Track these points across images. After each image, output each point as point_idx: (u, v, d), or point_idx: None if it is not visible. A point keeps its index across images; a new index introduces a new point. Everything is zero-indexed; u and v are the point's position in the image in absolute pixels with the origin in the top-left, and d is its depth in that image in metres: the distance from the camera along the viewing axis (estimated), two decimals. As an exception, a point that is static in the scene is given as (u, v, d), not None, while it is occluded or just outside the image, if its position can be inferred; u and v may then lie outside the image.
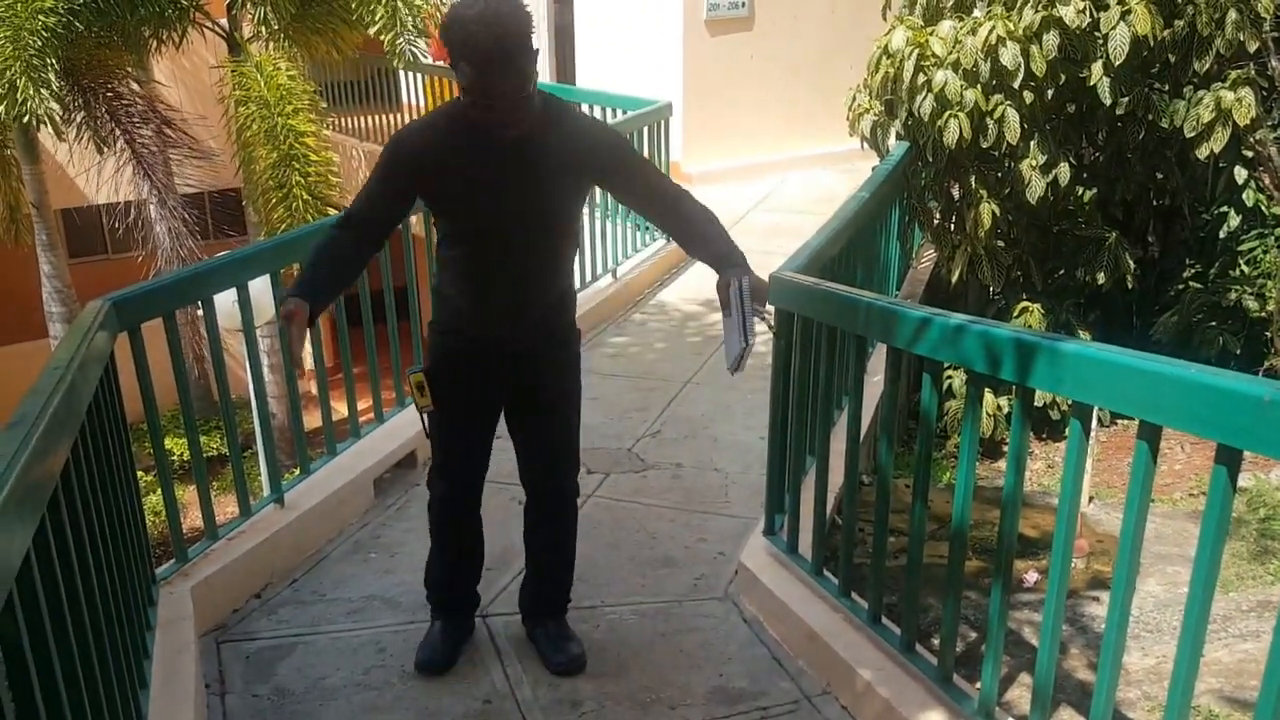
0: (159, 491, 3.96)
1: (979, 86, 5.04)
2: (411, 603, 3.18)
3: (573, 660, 2.88)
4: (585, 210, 6.00)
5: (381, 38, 7.35)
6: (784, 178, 9.58)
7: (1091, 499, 4.79)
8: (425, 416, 2.71)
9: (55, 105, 7.27)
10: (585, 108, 7.99)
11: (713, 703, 2.75)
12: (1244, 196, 6.04)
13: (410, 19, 7.27)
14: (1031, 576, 3.74)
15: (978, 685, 2.36)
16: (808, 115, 9.62)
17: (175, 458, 7.41)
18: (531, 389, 2.72)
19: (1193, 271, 6.63)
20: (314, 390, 3.93)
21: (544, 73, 11.04)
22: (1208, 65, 5.24)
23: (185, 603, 2.96)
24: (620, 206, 6.49)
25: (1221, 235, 6.30)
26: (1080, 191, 5.89)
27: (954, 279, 5.74)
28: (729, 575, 3.41)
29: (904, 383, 2.78)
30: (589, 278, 6.12)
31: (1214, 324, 6.16)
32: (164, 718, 2.42)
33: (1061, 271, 6.06)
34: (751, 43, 9.63)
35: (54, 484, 1.70)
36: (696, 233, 2.64)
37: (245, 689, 2.82)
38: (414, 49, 7.58)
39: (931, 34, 5.16)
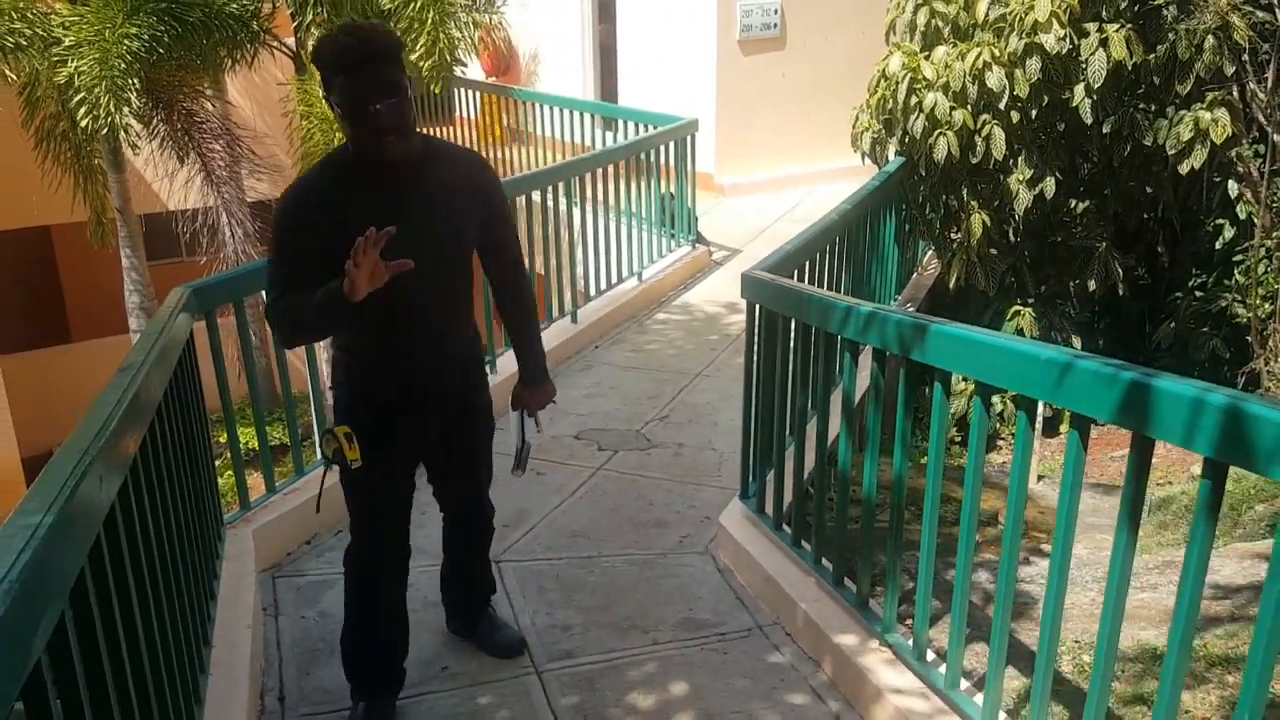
0: (227, 457, 4.57)
1: (968, 107, 5.51)
2: (434, 550, 3.73)
3: (514, 640, 3.12)
4: (607, 213, 6.59)
5: (421, 64, 7.99)
6: (811, 190, 10.04)
7: (1041, 478, 5.23)
8: (342, 471, 2.58)
9: (134, 121, 8.03)
10: (620, 123, 8.58)
11: (680, 629, 3.28)
12: (1238, 210, 6.41)
13: (447, 50, 7.91)
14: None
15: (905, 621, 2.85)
16: (835, 131, 10.01)
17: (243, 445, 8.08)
18: (454, 434, 2.75)
19: (1197, 281, 7.00)
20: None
21: (588, 91, 11.67)
22: (1189, 87, 5.64)
23: (247, 542, 3.56)
24: (642, 211, 7.05)
25: (1217, 246, 6.68)
26: (1074, 204, 6.31)
27: (952, 284, 6.19)
28: (711, 534, 3.93)
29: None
30: (614, 280, 6.68)
31: (1206, 330, 6.53)
32: (228, 625, 3.00)
33: (1053, 279, 6.47)
34: (782, 62, 10.13)
35: (146, 429, 2.27)
36: (521, 314, 2.81)
37: (295, 612, 3.41)
38: (450, 76, 8.20)
39: (927, 58, 5.63)
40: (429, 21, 8.13)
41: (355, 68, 2.25)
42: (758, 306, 3.59)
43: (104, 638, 1.46)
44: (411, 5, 8.13)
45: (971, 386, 5.66)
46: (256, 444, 3.96)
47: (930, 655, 2.63)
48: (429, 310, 2.53)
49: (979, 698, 2.39)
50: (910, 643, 2.67)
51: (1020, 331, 6.15)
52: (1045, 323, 6.30)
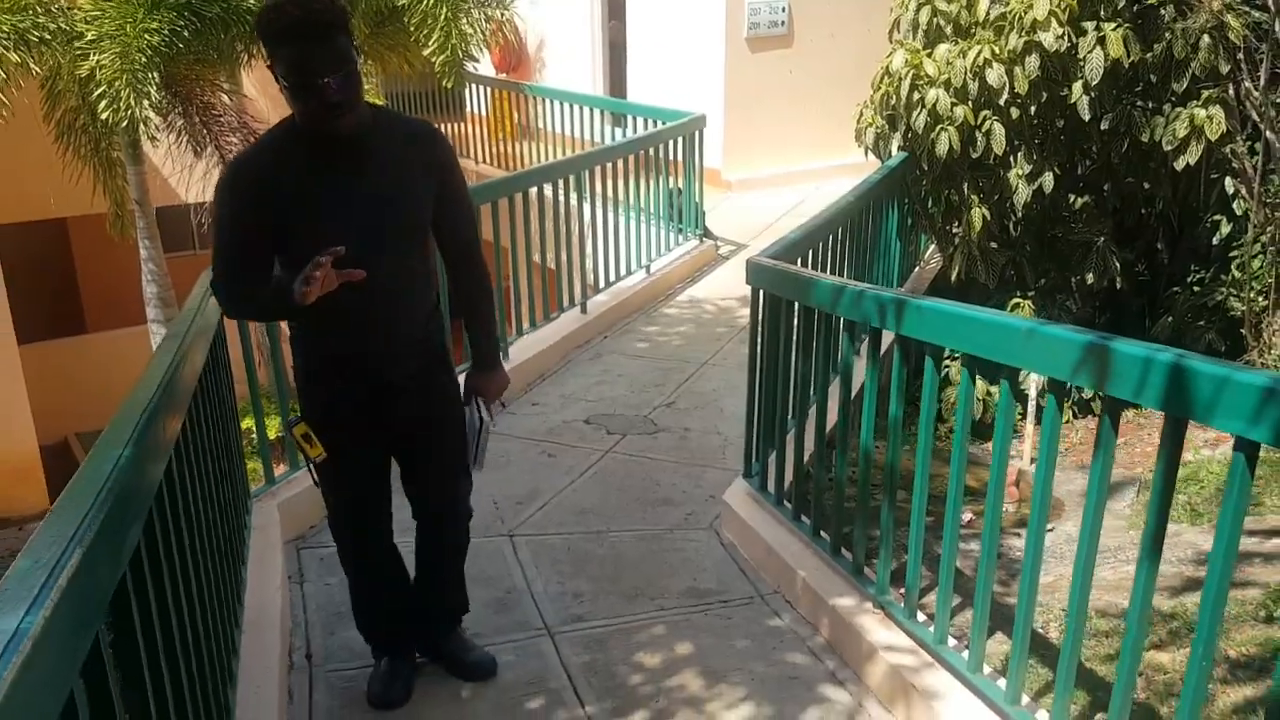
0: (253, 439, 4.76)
1: (969, 103, 5.66)
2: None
3: (487, 660, 2.94)
4: (615, 208, 6.76)
5: (434, 59, 8.16)
6: (818, 186, 10.17)
7: (1033, 460, 5.37)
8: (313, 468, 2.60)
9: (153, 114, 8.20)
10: (629, 119, 8.74)
11: (685, 597, 3.44)
12: (1234, 206, 6.55)
13: (460, 46, 8.07)
14: (966, 516, 4.35)
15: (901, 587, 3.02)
16: (841, 128, 10.15)
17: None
18: (420, 419, 2.62)
19: (1195, 276, 7.14)
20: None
21: (597, 86, 11.83)
22: (1185, 85, 5.79)
23: (273, 513, 3.73)
24: (650, 206, 7.21)
25: (1215, 242, 6.82)
26: (1073, 199, 6.45)
27: (953, 277, 6.35)
28: (715, 512, 4.09)
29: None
30: (623, 272, 6.84)
31: (1201, 323, 6.68)
32: (258, 588, 3.17)
33: (1053, 272, 6.62)
34: (790, 59, 10.29)
35: (189, 401, 2.42)
36: (474, 297, 2.70)
37: (318, 579, 3.58)
38: (462, 72, 8.36)
39: (929, 55, 5.78)
40: (442, 16, 8.28)
41: (302, 40, 2.15)
42: (761, 291, 3.75)
43: (164, 569, 1.63)
44: (424, 1, 8.29)
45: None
46: (280, 425, 4.13)
47: (920, 617, 2.79)
48: (384, 287, 2.39)
49: (965, 654, 2.55)
50: (902, 604, 2.82)
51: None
52: (1044, 315, 6.44)
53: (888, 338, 2.91)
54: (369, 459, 2.64)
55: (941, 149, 5.65)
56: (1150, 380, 1.72)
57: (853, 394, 3.13)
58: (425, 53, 8.51)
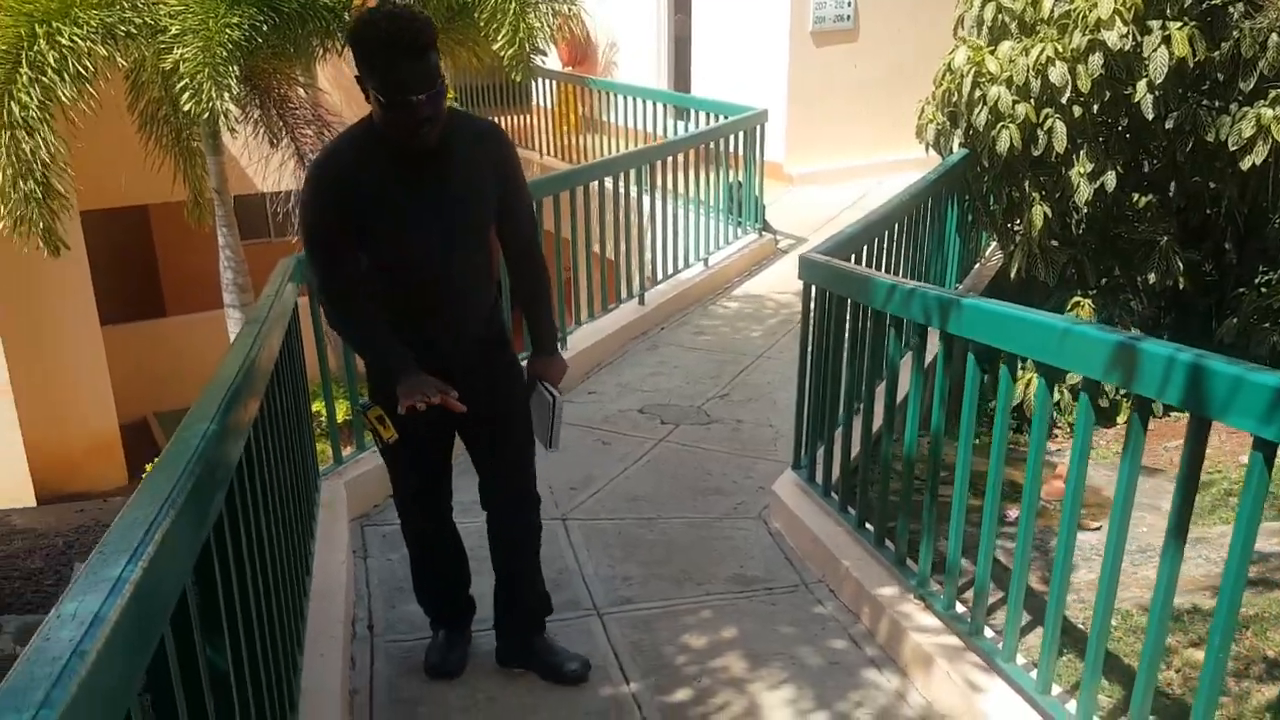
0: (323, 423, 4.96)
1: (1030, 101, 5.65)
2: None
3: (582, 663, 2.94)
4: (675, 201, 6.85)
5: (502, 53, 8.33)
6: (880, 181, 10.16)
7: None
8: (383, 449, 2.72)
9: (233, 106, 8.49)
10: (692, 113, 8.83)
11: (731, 583, 3.54)
12: (1304, 206, 6.44)
13: (527, 40, 8.22)
14: (1013, 513, 4.38)
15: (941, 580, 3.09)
16: (905, 123, 10.09)
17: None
18: (487, 404, 2.69)
19: (1264, 278, 7.03)
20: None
21: (662, 80, 11.93)
22: (1252, 85, 5.71)
23: (340, 492, 3.91)
24: (710, 199, 7.30)
25: (1284, 242, 6.71)
26: (1136, 198, 6.40)
27: (1013, 275, 6.33)
28: (764, 503, 4.18)
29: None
30: (681, 265, 6.94)
31: (1267, 325, 6.57)
32: (325, 560, 3.34)
33: (1116, 271, 6.57)
34: (855, 53, 10.28)
35: (266, 382, 2.59)
36: (536, 286, 2.77)
37: (381, 555, 3.75)
38: (530, 66, 8.50)
39: (992, 53, 5.78)
40: (511, 11, 8.44)
41: (398, 58, 2.23)
42: (813, 287, 3.83)
43: (242, 532, 1.79)
44: (494, -4, 8.46)
45: (1028, 375, 5.81)
46: (349, 409, 4.31)
47: (960, 608, 2.86)
48: (455, 284, 2.55)
49: (1001, 643, 2.62)
50: (942, 594, 2.90)
51: (1078, 322, 6.26)
52: (1105, 314, 6.40)
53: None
54: (437, 442, 2.76)
55: (1002, 146, 5.65)
56: (1172, 379, 1.78)
57: (900, 390, 3.20)
58: (494, 47, 8.69)
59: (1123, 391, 6.00)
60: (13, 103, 7.56)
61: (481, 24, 8.75)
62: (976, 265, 7.09)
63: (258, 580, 1.93)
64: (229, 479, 1.69)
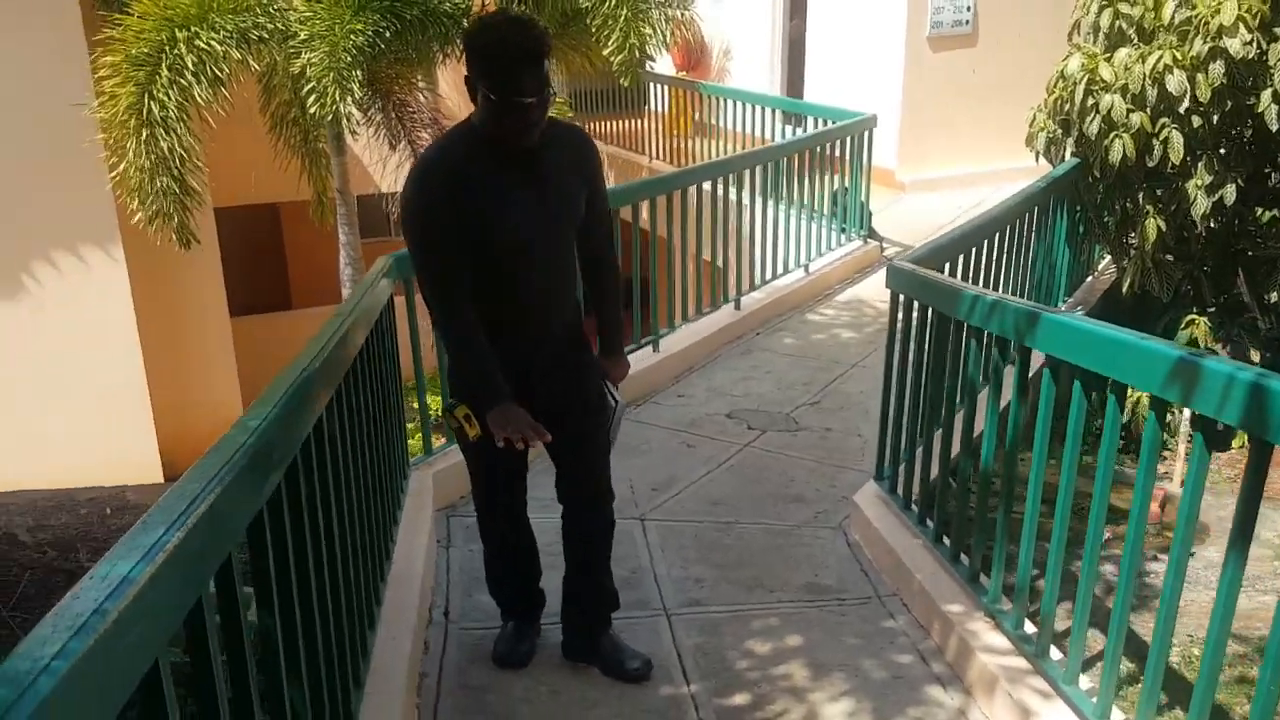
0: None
1: (1146, 110, 5.45)
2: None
3: (645, 663, 2.98)
4: (779, 205, 6.83)
5: (613, 59, 8.44)
6: (996, 189, 9.89)
7: (1184, 482, 5.14)
8: (465, 445, 2.80)
9: (355, 110, 8.83)
10: (803, 118, 8.78)
11: (804, 591, 3.54)
12: None
13: (637, 46, 8.31)
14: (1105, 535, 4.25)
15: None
16: (1024, 130, 9.93)
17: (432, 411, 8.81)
18: (566, 402, 2.76)
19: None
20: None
21: (775, 85, 11.89)
22: (1394, 94, 5.39)
23: (427, 482, 4.04)
24: (814, 204, 7.26)
25: None
26: (1260, 212, 6.10)
27: (1125, 289, 6.12)
28: (846, 513, 4.15)
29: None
30: (780, 270, 6.92)
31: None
32: (406, 546, 3.47)
33: (1238, 289, 6.27)
34: (973, 58, 10.06)
35: (344, 372, 2.71)
36: (608, 288, 2.87)
37: (464, 545, 3.86)
38: (639, 71, 8.60)
39: (1108, 60, 5.60)
40: (622, 18, 8.56)
41: (517, 64, 2.33)
42: (900, 295, 3.79)
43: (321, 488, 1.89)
44: (607, 2, 8.59)
45: (1138, 397, 5.62)
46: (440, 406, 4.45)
47: (1030, 628, 2.80)
48: (547, 286, 2.65)
49: (1064, 661, 2.55)
50: (1011, 612, 2.84)
51: (1194, 342, 6.01)
52: (1222, 333, 6.12)
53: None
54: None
55: (1115, 156, 5.47)
56: (1231, 397, 1.72)
57: (993, 402, 3.15)
58: (605, 52, 8.83)
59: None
60: (152, 102, 8.01)
61: (593, 30, 8.89)
62: (1089, 278, 6.87)
63: (320, 557, 2.03)
64: (289, 460, 1.80)
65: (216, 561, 1.37)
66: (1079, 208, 6.18)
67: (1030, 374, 2.94)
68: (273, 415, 1.67)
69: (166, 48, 8.23)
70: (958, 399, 3.44)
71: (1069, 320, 2.63)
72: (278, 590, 1.70)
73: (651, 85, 11.93)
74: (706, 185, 6.14)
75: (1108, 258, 6.91)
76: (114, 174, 8.12)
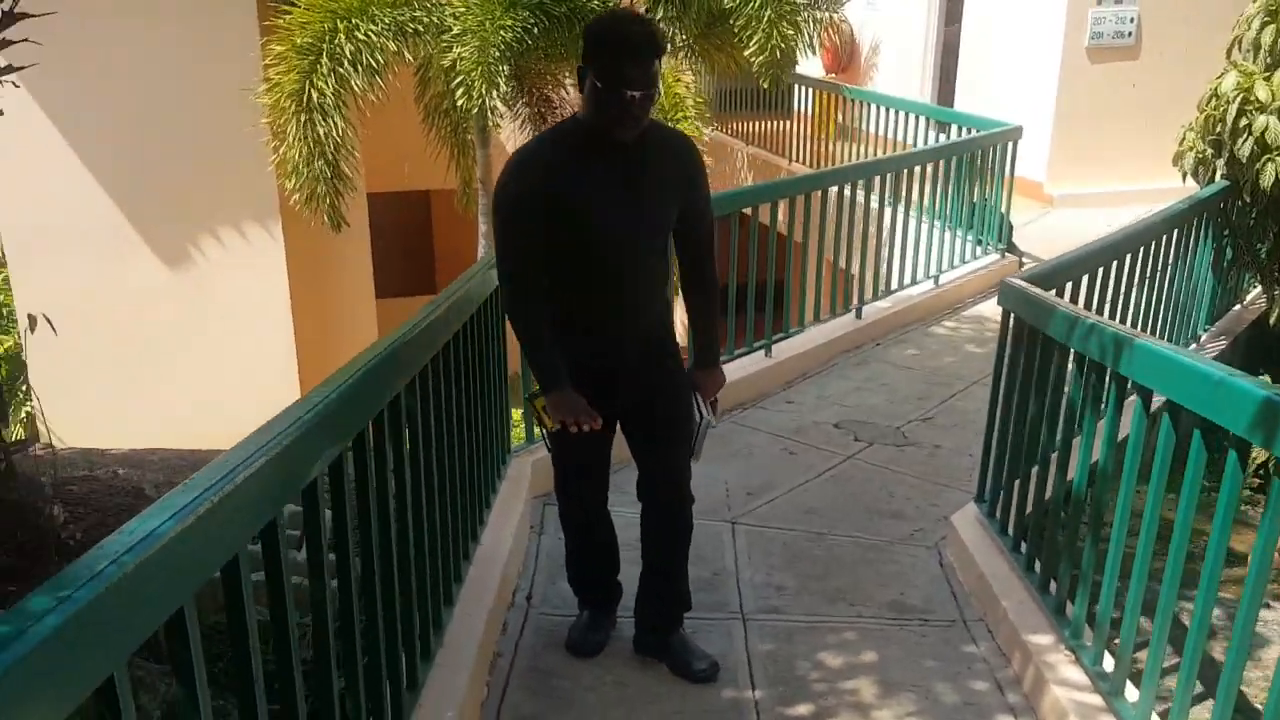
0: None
1: (1307, 132, 5.12)
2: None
3: (712, 665, 2.99)
4: (906, 211, 6.67)
5: (753, 60, 8.41)
6: (1152, 208, 9.40)
7: None
8: (548, 436, 2.87)
9: (500, 104, 9.08)
10: (950, 125, 8.58)
11: (887, 609, 3.49)
12: None
13: (779, 48, 8.26)
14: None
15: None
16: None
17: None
18: (647, 402, 2.81)
19: None
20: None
21: (925, 91, 11.63)
22: None
23: (526, 469, 4.15)
24: (950, 215, 7.08)
25: None
26: None
27: (1273, 321, 5.76)
28: (943, 533, 4.06)
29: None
30: (907, 280, 6.78)
31: None
32: (495, 529, 3.58)
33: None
34: (1134, 72, 9.61)
35: (429, 358, 2.82)
36: (705, 298, 2.90)
37: (555, 533, 3.93)
38: (780, 74, 8.54)
39: (1265, 79, 5.28)
40: (765, 19, 8.53)
41: (633, 57, 2.42)
42: (1011, 315, 3.69)
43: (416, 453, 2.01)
44: (751, 4, 8.57)
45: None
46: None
47: (1109, 663, 2.70)
48: (634, 285, 2.69)
49: (1135, 699, 2.45)
50: (1091, 646, 2.74)
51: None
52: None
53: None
54: (598, 434, 2.77)
55: (1267, 181, 5.16)
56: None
57: (1079, 432, 3.04)
58: (747, 54, 8.82)
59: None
60: (312, 89, 8.44)
61: (737, 30, 8.90)
62: (1236, 308, 6.48)
63: (389, 530, 2.14)
64: (353, 434, 1.91)
65: (262, 519, 1.47)
66: (1227, 232, 5.84)
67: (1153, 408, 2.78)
68: (334, 396, 1.77)
69: (328, 37, 8.65)
70: (1058, 426, 3.33)
71: (1174, 355, 2.51)
72: (337, 557, 1.81)
73: (797, 87, 11.84)
74: (833, 190, 6.07)
75: (1258, 287, 6.51)
76: (275, 157, 8.59)
